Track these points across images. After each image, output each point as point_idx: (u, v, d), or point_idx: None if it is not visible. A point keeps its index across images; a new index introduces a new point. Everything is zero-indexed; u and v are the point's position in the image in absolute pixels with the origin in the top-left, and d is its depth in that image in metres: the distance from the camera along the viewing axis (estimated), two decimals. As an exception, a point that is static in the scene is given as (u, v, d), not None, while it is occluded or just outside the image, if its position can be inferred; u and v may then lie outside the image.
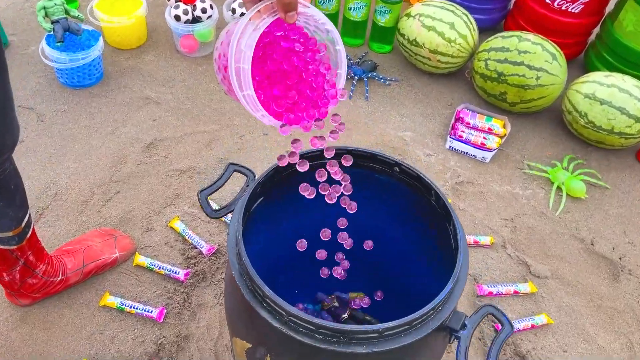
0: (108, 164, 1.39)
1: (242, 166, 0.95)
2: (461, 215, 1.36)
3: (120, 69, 1.64)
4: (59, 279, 1.11)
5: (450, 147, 1.51)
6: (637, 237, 1.37)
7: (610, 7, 1.69)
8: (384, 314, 1.10)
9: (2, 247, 0.97)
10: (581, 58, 1.82)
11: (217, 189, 0.92)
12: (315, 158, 0.92)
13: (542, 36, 1.52)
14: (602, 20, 1.70)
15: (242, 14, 1.62)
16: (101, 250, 1.17)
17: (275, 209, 0.95)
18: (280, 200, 0.94)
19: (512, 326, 0.79)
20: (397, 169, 0.90)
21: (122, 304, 1.12)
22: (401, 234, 1.00)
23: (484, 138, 1.50)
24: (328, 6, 1.71)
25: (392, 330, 0.68)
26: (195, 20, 1.62)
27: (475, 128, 1.53)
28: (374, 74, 1.68)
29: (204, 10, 1.60)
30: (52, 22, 1.44)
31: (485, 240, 1.30)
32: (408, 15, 1.64)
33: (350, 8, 1.69)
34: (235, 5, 1.62)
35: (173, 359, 1.06)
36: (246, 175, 0.94)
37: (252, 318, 0.75)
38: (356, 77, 1.65)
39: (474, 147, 1.48)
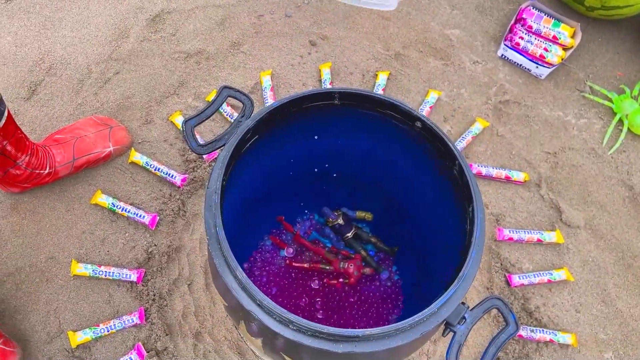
0: (108, 36, 1.23)
1: (237, 90, 0.79)
2: (498, 141, 1.19)
3: None
4: (47, 171, 1.03)
5: (502, 55, 1.28)
6: (696, 191, 1.19)
7: None
8: (390, 239, 1.02)
9: None
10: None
11: (207, 119, 0.78)
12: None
13: None
14: None
15: None
16: (94, 143, 1.07)
17: (272, 145, 0.82)
18: (279, 139, 0.80)
19: (517, 326, 0.70)
20: (419, 124, 0.73)
21: (114, 205, 1.06)
22: (416, 178, 0.86)
23: (545, 49, 1.25)
24: None
25: (377, 335, 0.59)
26: None
27: (538, 34, 1.27)
28: (429, -53, 1.38)
29: None
30: None
31: (519, 176, 1.15)
32: None
33: None
34: None
35: (162, 269, 1.02)
36: (243, 103, 0.79)
37: (226, 290, 0.67)
38: (406, -49, 1.36)
39: (531, 59, 1.25)
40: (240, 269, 0.61)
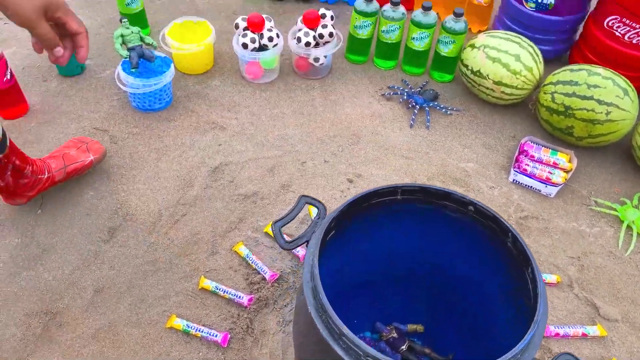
0: (176, 186, 1.44)
1: (313, 199, 0.96)
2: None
3: (187, 93, 1.69)
4: (46, 176, 1.31)
5: (514, 180, 1.49)
6: None
7: (684, 40, 1.63)
8: (444, 346, 1.09)
9: None
10: (651, 91, 1.76)
11: (291, 221, 0.93)
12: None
13: (612, 70, 1.49)
14: (675, 54, 1.65)
15: (307, 43, 1.65)
16: (77, 156, 1.38)
17: (343, 241, 0.96)
18: (350, 233, 0.95)
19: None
20: (472, 208, 0.89)
21: (188, 327, 1.15)
22: (471, 272, 0.99)
23: (549, 172, 1.47)
24: (392, 36, 1.72)
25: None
26: (262, 48, 1.66)
27: (540, 162, 1.50)
28: (436, 103, 1.68)
29: (270, 39, 1.65)
30: (128, 49, 1.50)
31: (551, 278, 1.27)
32: (472, 46, 1.64)
33: (414, 38, 1.70)
34: (300, 34, 1.66)
35: (236, 384, 1.07)
36: (317, 208, 0.95)
37: (325, 354, 0.76)
38: (417, 106, 1.65)
39: (539, 181, 1.46)
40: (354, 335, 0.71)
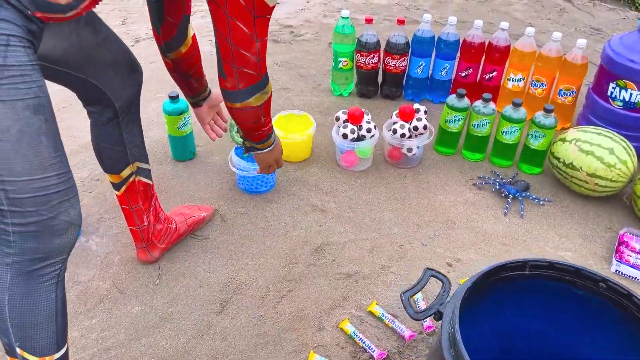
0: (281, 263, 1.51)
1: (438, 272, 1.01)
2: None
3: (289, 178, 1.82)
4: (174, 227, 1.49)
5: (616, 270, 1.48)
6: None
7: None
8: None
9: (145, 180, 1.36)
10: None
11: (418, 291, 0.98)
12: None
13: None
14: None
15: (403, 135, 1.77)
16: (192, 212, 1.58)
17: (477, 317, 0.98)
18: (482, 307, 0.98)
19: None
20: (604, 285, 0.91)
21: (301, 400, 1.16)
22: (600, 355, 0.98)
23: (653, 264, 1.46)
24: (482, 129, 1.82)
25: None
26: (359, 138, 1.79)
27: (642, 253, 1.50)
28: (527, 193, 1.73)
29: (368, 130, 1.77)
30: (242, 137, 1.66)
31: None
32: (563, 140, 1.70)
33: (504, 132, 1.79)
34: (396, 126, 1.78)
35: None
36: (442, 281, 1.00)
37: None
38: (510, 196, 1.70)
39: (643, 272, 1.45)
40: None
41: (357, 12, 2.96)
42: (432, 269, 1.02)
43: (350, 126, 1.78)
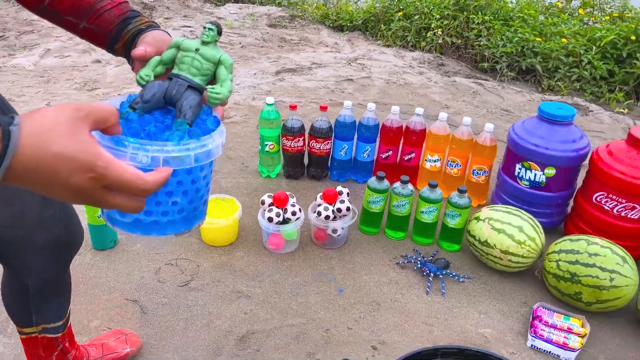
0: (204, 356, 1.46)
1: (356, 365, 1.01)
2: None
3: (214, 264, 1.79)
4: None
5: (532, 345, 1.54)
6: None
7: (666, 212, 1.81)
8: None
9: (51, 335, 1.17)
10: (645, 258, 1.90)
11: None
12: None
13: (608, 240, 1.64)
14: (661, 224, 1.82)
15: (327, 217, 1.81)
16: (115, 346, 1.39)
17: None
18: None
19: None
20: (510, 372, 0.95)
21: None
22: None
23: (565, 337, 1.53)
24: (402, 210, 1.89)
25: None
26: (285, 221, 1.81)
27: (555, 327, 1.56)
28: (448, 271, 1.79)
29: (293, 213, 1.80)
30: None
31: None
32: (477, 218, 1.80)
33: (422, 211, 1.87)
34: (320, 208, 1.82)
35: None
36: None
37: None
38: (432, 274, 1.76)
39: (557, 346, 1.50)
40: None
41: (284, 94, 3.08)
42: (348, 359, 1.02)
43: (275, 209, 1.80)
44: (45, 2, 0.78)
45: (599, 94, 3.62)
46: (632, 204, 1.74)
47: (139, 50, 0.71)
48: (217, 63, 0.72)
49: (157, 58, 0.72)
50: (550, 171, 1.87)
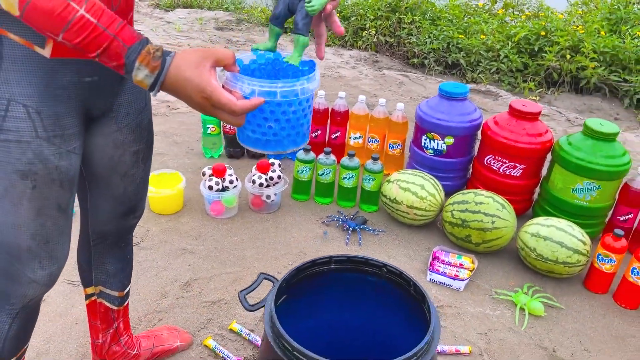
0: (153, 298, 1.71)
1: (270, 275, 1.29)
2: (443, 331, 1.65)
3: (162, 228, 2.04)
4: (134, 353, 1.40)
5: (430, 279, 1.86)
6: (591, 345, 1.64)
7: (544, 171, 2.18)
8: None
9: (108, 304, 1.29)
10: (530, 212, 2.26)
11: (252, 290, 1.25)
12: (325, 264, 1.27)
13: (492, 192, 1.98)
14: (540, 182, 2.19)
15: (261, 184, 2.09)
16: (167, 339, 1.50)
17: (295, 306, 1.27)
18: (299, 298, 1.27)
19: None
20: (385, 269, 1.25)
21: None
22: (390, 321, 1.29)
23: (457, 271, 1.85)
24: (326, 177, 2.19)
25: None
26: (224, 189, 2.08)
27: (449, 264, 1.89)
28: (365, 226, 2.09)
29: (231, 182, 2.07)
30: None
31: (465, 349, 1.58)
32: (388, 181, 2.12)
33: (344, 178, 2.18)
34: (255, 177, 2.10)
35: None
36: (272, 282, 1.28)
37: None
38: (350, 229, 2.06)
39: (450, 278, 1.83)
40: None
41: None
42: (265, 273, 1.30)
43: (214, 179, 2.07)
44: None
45: (515, 84, 4.05)
46: (513, 163, 2.09)
47: None
48: None
49: None
50: (450, 140, 2.21)
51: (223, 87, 0.85)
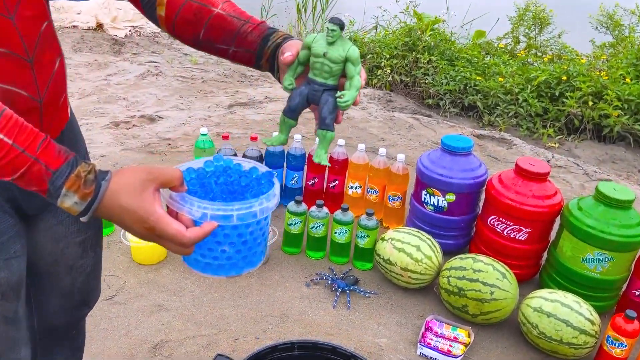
0: (117, 361, 1.60)
1: (227, 357, 1.17)
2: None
3: (140, 280, 1.94)
4: None
5: (420, 353, 1.70)
6: None
7: (552, 235, 2.02)
8: None
9: None
10: (537, 278, 2.08)
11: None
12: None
13: (493, 258, 1.82)
14: (548, 246, 2.02)
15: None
16: None
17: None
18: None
19: None
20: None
21: None
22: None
23: (450, 346, 1.69)
24: (318, 231, 2.07)
25: None
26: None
27: (442, 336, 1.73)
28: (356, 287, 1.95)
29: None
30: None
31: None
32: (383, 239, 1.98)
33: (336, 232, 2.05)
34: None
35: None
36: (230, 365, 1.15)
37: None
38: (339, 290, 1.92)
39: (441, 354, 1.67)
40: None
41: (232, 126, 3.27)
42: (223, 354, 1.17)
43: None
44: (200, 36, 0.89)
45: (534, 129, 3.89)
46: (518, 227, 1.94)
47: (288, 56, 0.82)
48: (345, 60, 0.81)
49: (296, 61, 0.84)
50: (451, 197, 2.07)
51: (168, 209, 0.75)
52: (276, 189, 0.83)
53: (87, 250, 1.01)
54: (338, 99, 0.81)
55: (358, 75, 0.82)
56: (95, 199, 0.67)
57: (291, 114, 0.87)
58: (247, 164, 0.88)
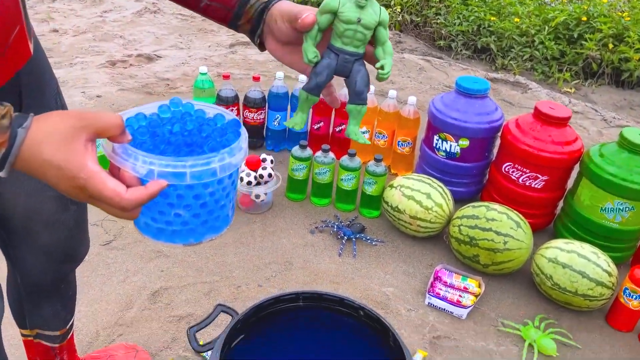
0: (116, 308, 1.54)
1: (228, 307, 1.10)
2: (436, 368, 1.44)
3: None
4: None
5: (429, 303, 1.64)
6: (608, 396, 1.42)
7: (570, 183, 1.92)
8: None
9: (46, 343, 1.14)
10: (551, 227, 2.00)
11: (205, 326, 1.06)
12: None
13: (507, 206, 1.74)
14: (565, 195, 1.93)
15: (249, 182, 1.89)
16: None
17: (255, 348, 1.08)
18: (260, 338, 1.07)
19: None
20: (362, 312, 1.04)
21: None
22: None
23: (460, 296, 1.63)
24: (324, 177, 1.98)
25: None
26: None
27: (452, 286, 1.67)
28: (362, 235, 1.88)
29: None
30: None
31: (459, 393, 1.37)
32: (391, 186, 1.89)
33: (342, 179, 1.96)
34: (242, 174, 1.90)
35: None
36: (232, 316, 1.09)
37: None
38: (345, 237, 1.85)
39: (451, 304, 1.61)
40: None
41: (233, 67, 3.13)
42: (223, 305, 1.11)
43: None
44: None
45: (549, 73, 3.72)
46: (535, 174, 1.84)
47: (309, 17, 0.66)
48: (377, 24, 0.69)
49: (315, 28, 0.68)
50: (464, 142, 1.96)
51: (110, 165, 0.61)
52: (243, 141, 0.67)
53: (66, 204, 0.93)
54: (380, 71, 0.69)
55: (387, 39, 0.70)
56: (11, 151, 0.53)
57: (317, 90, 0.71)
58: (211, 110, 0.72)
